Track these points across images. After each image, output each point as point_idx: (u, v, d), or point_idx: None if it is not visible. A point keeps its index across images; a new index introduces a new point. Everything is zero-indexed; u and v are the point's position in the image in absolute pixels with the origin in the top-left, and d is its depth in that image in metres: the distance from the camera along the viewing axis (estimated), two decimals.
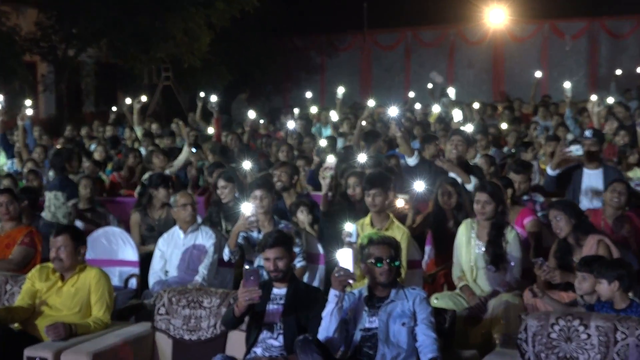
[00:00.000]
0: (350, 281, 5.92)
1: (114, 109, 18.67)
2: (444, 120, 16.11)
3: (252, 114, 15.41)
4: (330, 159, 8.88)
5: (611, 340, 5.76)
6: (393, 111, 10.61)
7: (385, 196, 7.88)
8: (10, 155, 13.64)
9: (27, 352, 6.35)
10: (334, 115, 16.13)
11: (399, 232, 7.56)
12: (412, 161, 9.82)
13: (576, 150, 9.12)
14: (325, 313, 5.99)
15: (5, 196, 8.60)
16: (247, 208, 7.47)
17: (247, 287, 6.14)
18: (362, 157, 9.98)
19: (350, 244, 7.16)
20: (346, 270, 5.89)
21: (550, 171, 9.39)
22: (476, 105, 17.44)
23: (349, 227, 7.22)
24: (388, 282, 6.12)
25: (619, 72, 20.11)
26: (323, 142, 13.19)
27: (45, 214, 9.86)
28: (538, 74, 20.28)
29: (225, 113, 20.02)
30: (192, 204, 8.48)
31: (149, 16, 24.14)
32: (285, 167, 9.66)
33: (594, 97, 13.89)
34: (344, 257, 5.92)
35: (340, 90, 16.88)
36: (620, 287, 6.15)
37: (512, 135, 14.78)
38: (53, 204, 9.84)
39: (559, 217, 7.27)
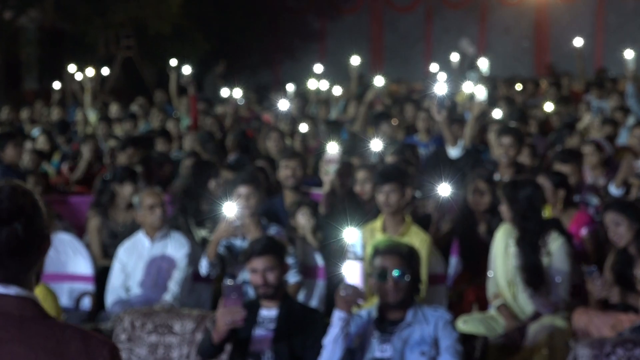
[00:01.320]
0: (360, 301, 5.91)
1: (59, 85, 18.59)
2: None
3: (234, 93, 15.26)
4: (332, 149, 8.75)
5: None
6: (441, 88, 10.43)
7: (402, 194, 7.76)
8: None
9: None
10: (337, 92, 15.75)
11: (417, 239, 7.48)
12: (454, 152, 9.83)
13: None
14: (328, 340, 6.01)
15: None
16: (230, 209, 7.44)
17: (228, 307, 6.11)
18: (376, 144, 9.85)
19: (355, 256, 7.19)
20: (354, 288, 5.89)
21: (614, 190, 9.35)
22: (519, 87, 17.35)
23: (351, 234, 7.09)
24: (396, 302, 6.13)
25: None
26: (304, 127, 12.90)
27: None
28: (578, 41, 20.16)
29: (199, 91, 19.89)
30: (161, 205, 8.35)
31: None
32: (298, 160, 9.66)
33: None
34: (351, 272, 5.90)
35: (356, 61, 16.74)
36: None
37: (557, 119, 14.77)
38: None
39: (620, 222, 7.23)
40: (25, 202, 3.14)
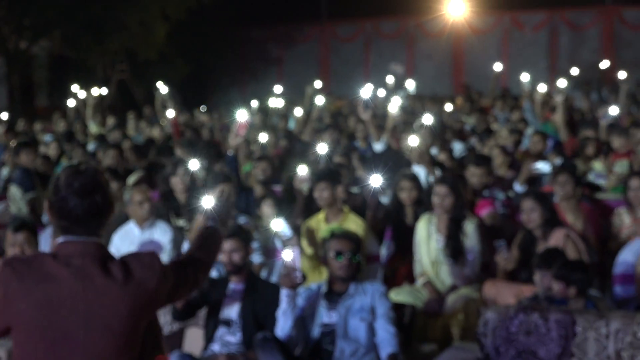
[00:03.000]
0: (298, 279, 5.98)
1: (71, 103, 18.41)
2: (406, 112, 16.12)
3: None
4: (303, 171, 8.54)
5: (570, 334, 5.84)
6: (366, 92, 10.69)
7: (333, 190, 7.77)
8: None
9: None
10: (298, 112, 15.67)
11: (354, 225, 7.49)
12: (378, 146, 9.86)
13: (543, 167, 9.18)
14: (279, 313, 6.04)
15: None
16: (208, 202, 7.39)
17: None
18: (322, 148, 9.89)
19: (285, 237, 7.20)
20: (291, 269, 5.96)
21: (518, 187, 9.42)
22: (449, 107, 17.38)
23: (277, 223, 7.16)
24: (347, 277, 6.17)
25: (574, 71, 20.21)
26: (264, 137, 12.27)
27: (12, 207, 9.85)
28: (498, 66, 20.34)
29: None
30: (148, 200, 8.29)
31: (103, 6, 24.04)
32: (266, 162, 9.85)
33: (542, 88, 13.97)
34: (290, 257, 5.97)
35: (317, 85, 16.69)
36: (577, 293, 6.19)
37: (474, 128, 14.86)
38: (16, 198, 9.83)
39: (535, 209, 7.24)
40: (101, 180, 3.68)
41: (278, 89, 19.17)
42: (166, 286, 3.70)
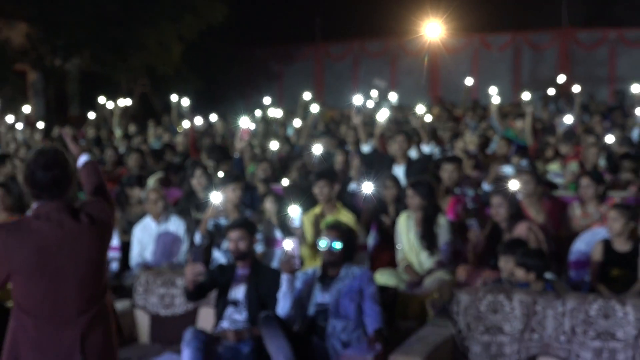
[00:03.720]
0: (297, 265, 6.00)
1: (92, 116, 18.30)
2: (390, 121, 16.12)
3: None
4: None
5: (531, 312, 5.87)
6: (357, 100, 10.88)
7: (331, 187, 7.86)
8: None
9: None
10: (297, 123, 15.59)
11: (345, 217, 7.57)
12: (366, 147, 9.91)
13: (507, 170, 9.20)
14: (279, 295, 6.05)
15: (0, 190, 8.70)
16: (216, 197, 7.47)
17: (192, 264, 6.20)
18: (317, 149, 9.92)
19: (294, 228, 7.22)
20: (291, 256, 5.97)
21: (486, 186, 9.45)
22: (430, 117, 17.40)
23: (293, 210, 7.19)
24: (329, 262, 6.18)
25: (550, 89, 20.28)
26: (275, 145, 11.96)
27: None
28: (469, 81, 20.37)
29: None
30: (162, 199, 8.41)
31: (125, 29, 24.10)
32: (267, 163, 9.96)
33: (495, 100, 14.00)
34: (290, 246, 5.98)
35: (307, 96, 16.62)
36: (536, 277, 6.22)
37: (447, 134, 14.85)
38: None
39: (502, 204, 7.26)
40: (60, 158, 4.12)
41: (267, 100, 19.10)
42: (114, 216, 4.31)
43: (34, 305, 4.01)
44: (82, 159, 4.52)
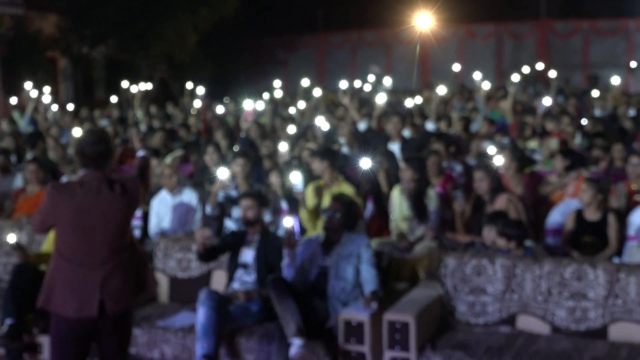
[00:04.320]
0: (297, 241, 6.02)
1: (114, 99, 18.19)
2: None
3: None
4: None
5: (511, 275, 5.87)
6: (343, 84, 10.82)
7: (332, 165, 7.73)
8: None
9: None
10: (301, 105, 15.35)
11: (346, 190, 7.54)
12: (361, 126, 9.87)
13: (489, 148, 9.15)
14: (284, 265, 6.07)
15: (34, 164, 8.67)
16: (223, 172, 7.45)
17: (202, 229, 6.38)
18: (322, 122, 9.87)
19: (297, 189, 7.21)
20: (291, 233, 5.98)
21: (471, 161, 9.41)
22: (419, 99, 17.27)
23: (295, 177, 7.18)
24: (329, 229, 6.17)
25: (525, 69, 20.23)
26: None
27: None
28: (456, 67, 20.28)
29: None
30: (175, 173, 8.34)
31: (146, 21, 24.18)
32: (270, 140, 9.99)
33: (485, 85, 14.01)
34: (290, 223, 5.99)
35: (305, 82, 16.54)
36: (516, 245, 6.20)
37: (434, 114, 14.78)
38: None
39: (484, 179, 7.24)
40: (104, 136, 4.73)
41: (277, 83, 19.03)
42: (143, 195, 4.81)
43: (69, 251, 4.58)
44: (140, 153, 5.22)
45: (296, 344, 5.51)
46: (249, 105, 10.09)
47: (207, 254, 6.39)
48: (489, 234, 6.39)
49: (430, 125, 10.11)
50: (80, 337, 4.61)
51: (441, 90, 11.74)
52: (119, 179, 4.70)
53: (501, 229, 6.23)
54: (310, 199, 7.57)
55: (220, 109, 15.11)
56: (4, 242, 7.12)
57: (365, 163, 7.79)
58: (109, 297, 4.57)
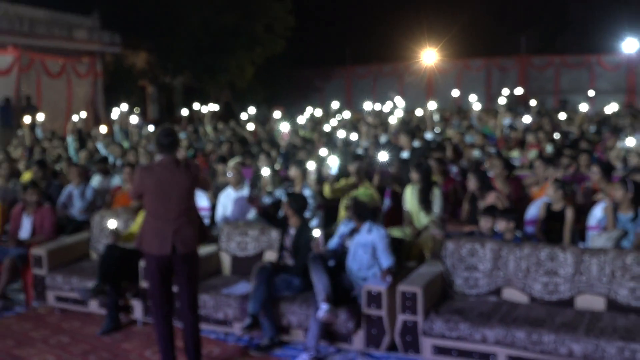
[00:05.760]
0: (321, 247, 5.86)
1: (185, 113, 18.13)
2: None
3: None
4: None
5: (498, 256, 5.79)
6: (367, 106, 10.66)
7: (361, 167, 7.64)
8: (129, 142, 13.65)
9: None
10: (333, 122, 14.77)
11: (364, 191, 7.41)
12: (383, 139, 9.80)
13: (477, 154, 9.03)
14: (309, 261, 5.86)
15: (128, 168, 8.68)
16: (265, 172, 7.58)
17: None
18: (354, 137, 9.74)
19: (330, 175, 7.32)
20: (317, 240, 5.85)
21: (464, 164, 9.30)
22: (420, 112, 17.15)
23: (332, 161, 7.39)
24: (350, 219, 6.09)
25: (505, 91, 20.05)
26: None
27: None
28: (455, 93, 20.18)
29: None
30: (239, 173, 8.21)
31: (215, 56, 24.48)
32: (305, 152, 9.98)
33: (476, 107, 13.83)
34: (317, 234, 5.86)
35: (335, 105, 16.56)
36: (514, 226, 6.12)
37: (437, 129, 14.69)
38: None
39: (472, 178, 7.21)
40: (172, 131, 5.20)
41: (335, 104, 18.53)
42: (200, 176, 5.22)
43: (153, 210, 5.10)
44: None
45: (323, 308, 5.49)
46: (285, 127, 10.00)
47: (267, 217, 6.87)
48: (486, 224, 6.33)
49: (429, 135, 10.03)
50: (162, 269, 5.12)
51: (431, 105, 11.69)
52: (184, 160, 5.18)
53: (500, 214, 6.18)
54: (341, 185, 7.53)
55: (270, 126, 15.16)
56: (106, 227, 7.20)
57: (382, 156, 7.79)
58: (179, 241, 5.06)
